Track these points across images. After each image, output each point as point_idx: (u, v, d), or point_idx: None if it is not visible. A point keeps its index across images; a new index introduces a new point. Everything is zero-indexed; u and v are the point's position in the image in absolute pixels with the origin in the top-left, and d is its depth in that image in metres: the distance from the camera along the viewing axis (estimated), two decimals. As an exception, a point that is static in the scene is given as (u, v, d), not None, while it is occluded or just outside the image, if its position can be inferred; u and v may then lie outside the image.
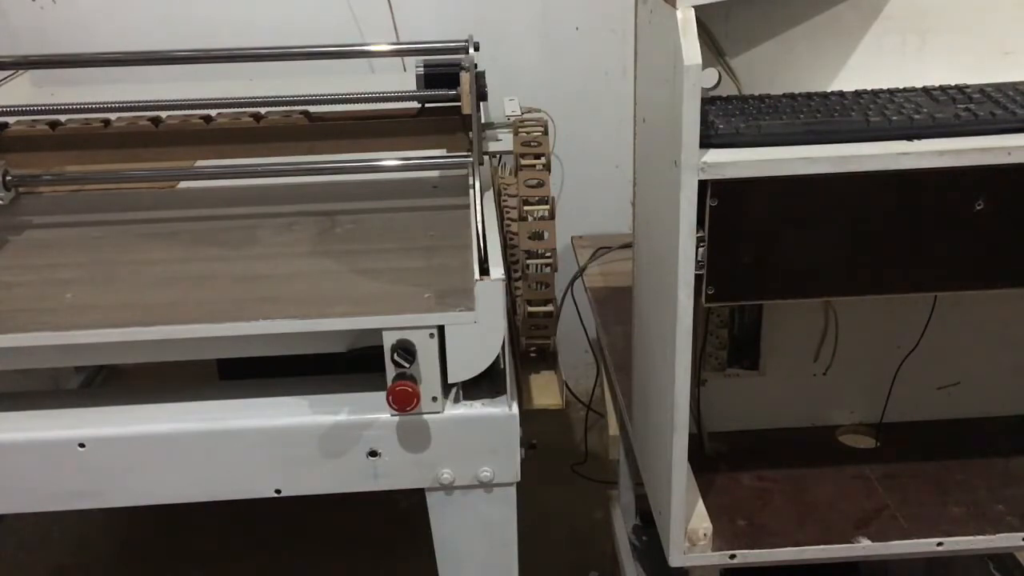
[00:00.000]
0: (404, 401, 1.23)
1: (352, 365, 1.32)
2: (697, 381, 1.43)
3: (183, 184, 1.62)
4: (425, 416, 1.27)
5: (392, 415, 1.26)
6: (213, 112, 1.55)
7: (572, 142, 2.27)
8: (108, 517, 2.23)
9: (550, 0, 2.17)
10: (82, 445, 1.25)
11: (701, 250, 1.12)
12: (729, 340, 1.45)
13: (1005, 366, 1.49)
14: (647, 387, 1.37)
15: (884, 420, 1.50)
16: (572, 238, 2.12)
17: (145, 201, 1.59)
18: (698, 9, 1.07)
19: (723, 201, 1.10)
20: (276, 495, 1.31)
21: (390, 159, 1.54)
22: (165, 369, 1.35)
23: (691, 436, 1.25)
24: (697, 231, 1.11)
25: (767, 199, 1.11)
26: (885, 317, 1.43)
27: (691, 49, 1.04)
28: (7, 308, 1.28)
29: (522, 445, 1.32)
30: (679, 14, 1.05)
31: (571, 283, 1.97)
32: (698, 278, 1.13)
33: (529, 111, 1.68)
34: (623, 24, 2.22)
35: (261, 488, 1.31)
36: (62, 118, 1.54)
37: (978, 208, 1.10)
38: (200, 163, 1.57)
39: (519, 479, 1.32)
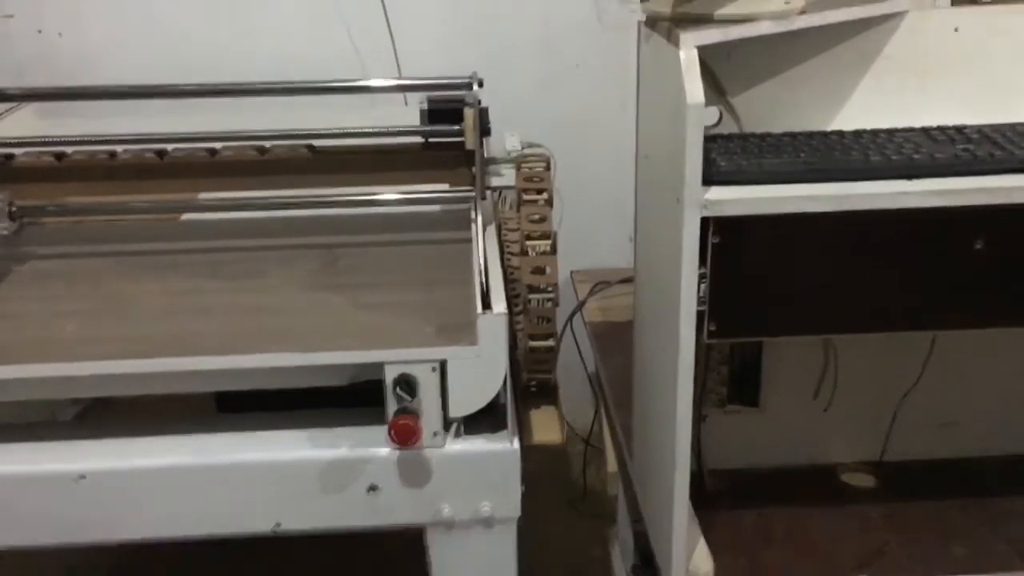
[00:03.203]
0: (405, 436, 1.23)
1: (353, 398, 1.32)
2: (698, 417, 1.43)
3: (186, 216, 1.63)
4: (426, 451, 1.27)
5: (393, 450, 1.26)
6: (218, 145, 1.56)
7: (572, 176, 2.28)
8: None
9: (551, 36, 2.19)
10: (82, 477, 1.25)
11: (703, 286, 1.13)
12: (729, 376, 1.46)
13: (1005, 405, 1.49)
14: (647, 423, 1.37)
15: (885, 458, 1.50)
16: (571, 272, 2.12)
17: (148, 233, 1.59)
18: (700, 48, 1.08)
19: (725, 238, 1.11)
20: (275, 530, 1.30)
21: (393, 193, 1.55)
22: (162, 400, 1.35)
23: (691, 473, 1.24)
24: (699, 267, 1.11)
25: (769, 236, 1.11)
26: (885, 355, 1.43)
27: (694, 88, 1.05)
28: (9, 339, 1.28)
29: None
30: (682, 54, 1.07)
31: (570, 317, 1.98)
32: (700, 314, 1.14)
33: (530, 145, 1.69)
34: (623, 60, 2.24)
35: (260, 523, 1.30)
36: (68, 149, 1.55)
37: (977, 247, 1.10)
38: (204, 195, 1.58)
39: (519, 515, 1.32)
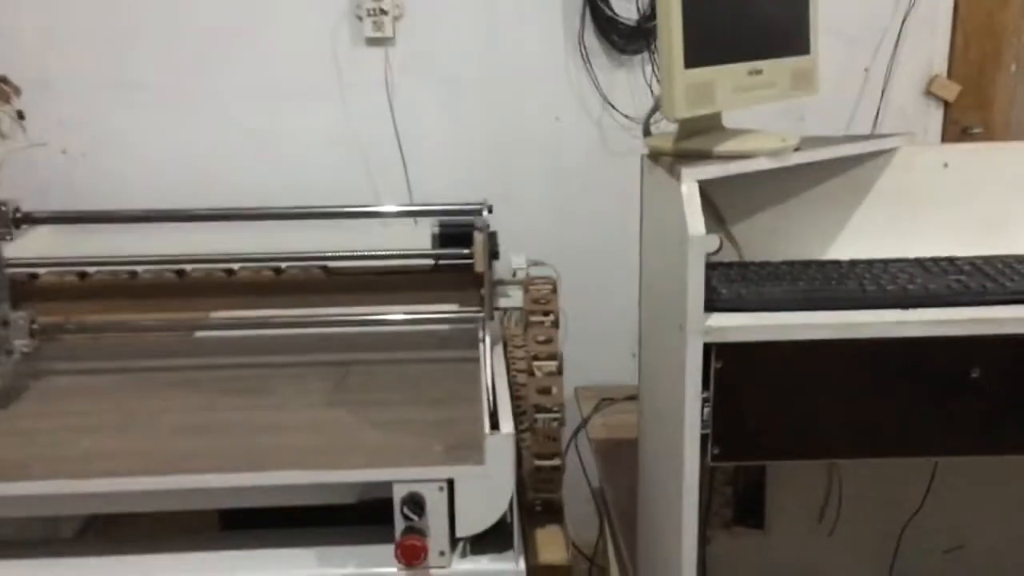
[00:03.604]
0: (412, 556, 1.23)
1: (359, 515, 1.33)
2: (702, 539, 1.43)
3: (202, 333, 1.67)
4: (432, 571, 1.27)
5: (399, 570, 1.26)
6: (235, 265, 1.61)
7: (575, 293, 2.32)
8: None
9: (557, 161, 2.27)
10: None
11: (706, 411, 1.15)
12: (734, 498, 1.46)
13: (1009, 530, 1.49)
14: (652, 543, 1.37)
15: (890, 582, 1.50)
16: (576, 389, 2.15)
17: (164, 350, 1.63)
18: (701, 181, 1.14)
19: (727, 364, 1.14)
20: (279, 652, 1.29)
21: (403, 313, 1.60)
22: (165, 515, 1.35)
23: (697, 596, 1.24)
24: (702, 392, 1.14)
25: (770, 362, 1.15)
26: (888, 479, 1.44)
27: (695, 221, 1.10)
28: (24, 455, 1.30)
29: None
30: (684, 188, 1.12)
31: (574, 434, 1.99)
32: (703, 437, 1.16)
33: (534, 264, 1.74)
34: (625, 184, 2.32)
35: (264, 645, 1.29)
36: (90, 269, 1.60)
37: (974, 376, 1.13)
38: (219, 314, 1.62)
39: (524, 638, 1.31)
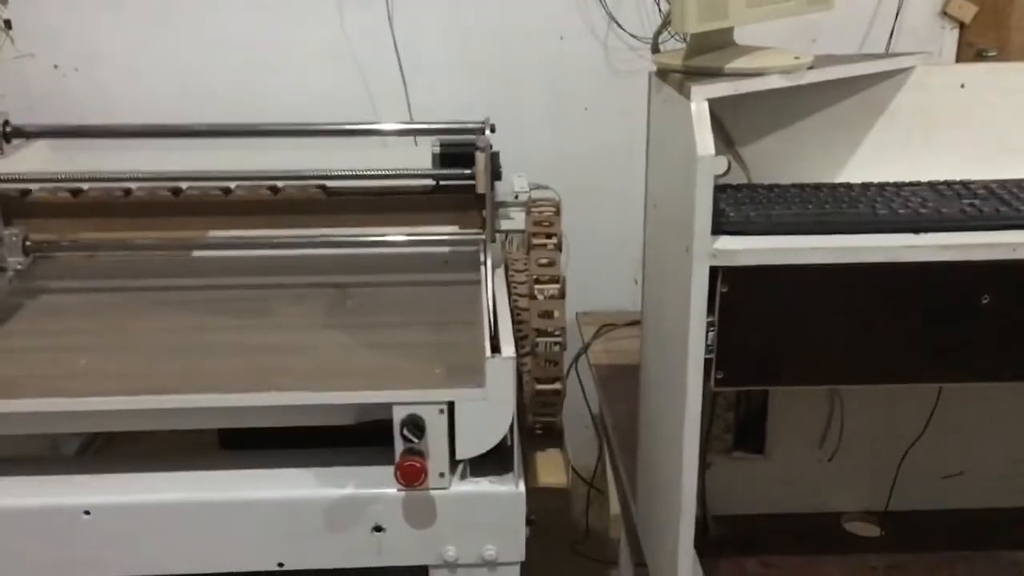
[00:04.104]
0: (412, 477, 1.23)
1: (359, 437, 1.32)
2: (702, 463, 1.43)
3: (198, 253, 1.64)
4: (431, 492, 1.27)
5: (398, 490, 1.26)
6: (232, 184, 1.57)
7: (577, 218, 2.29)
8: None
9: (560, 81, 2.22)
10: (87, 513, 1.25)
11: (711, 335, 1.13)
12: (735, 423, 1.46)
13: (1010, 458, 1.49)
14: (652, 467, 1.37)
15: (889, 508, 1.50)
16: (577, 314, 2.13)
17: (160, 269, 1.61)
18: (710, 100, 1.10)
19: (733, 288, 1.12)
20: (279, 568, 1.30)
21: (403, 234, 1.57)
22: (164, 435, 1.35)
23: (695, 518, 1.24)
24: (707, 316, 1.12)
25: (777, 287, 1.12)
26: (890, 405, 1.44)
27: (705, 140, 1.07)
28: (22, 373, 1.29)
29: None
30: (693, 106, 1.09)
31: (575, 359, 1.98)
32: (707, 362, 1.15)
33: (537, 188, 1.71)
34: (631, 106, 2.27)
35: (264, 560, 1.30)
36: (84, 186, 1.56)
37: (984, 302, 1.11)
38: (216, 233, 1.59)
39: (523, 558, 1.32)
